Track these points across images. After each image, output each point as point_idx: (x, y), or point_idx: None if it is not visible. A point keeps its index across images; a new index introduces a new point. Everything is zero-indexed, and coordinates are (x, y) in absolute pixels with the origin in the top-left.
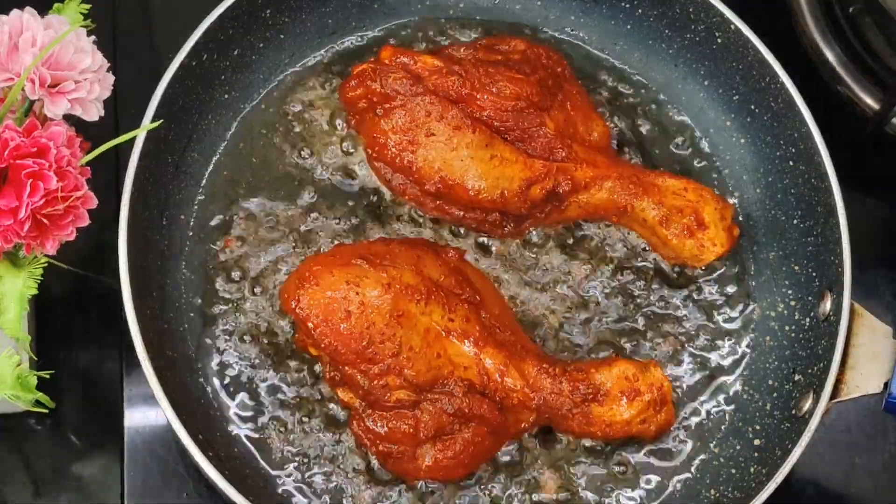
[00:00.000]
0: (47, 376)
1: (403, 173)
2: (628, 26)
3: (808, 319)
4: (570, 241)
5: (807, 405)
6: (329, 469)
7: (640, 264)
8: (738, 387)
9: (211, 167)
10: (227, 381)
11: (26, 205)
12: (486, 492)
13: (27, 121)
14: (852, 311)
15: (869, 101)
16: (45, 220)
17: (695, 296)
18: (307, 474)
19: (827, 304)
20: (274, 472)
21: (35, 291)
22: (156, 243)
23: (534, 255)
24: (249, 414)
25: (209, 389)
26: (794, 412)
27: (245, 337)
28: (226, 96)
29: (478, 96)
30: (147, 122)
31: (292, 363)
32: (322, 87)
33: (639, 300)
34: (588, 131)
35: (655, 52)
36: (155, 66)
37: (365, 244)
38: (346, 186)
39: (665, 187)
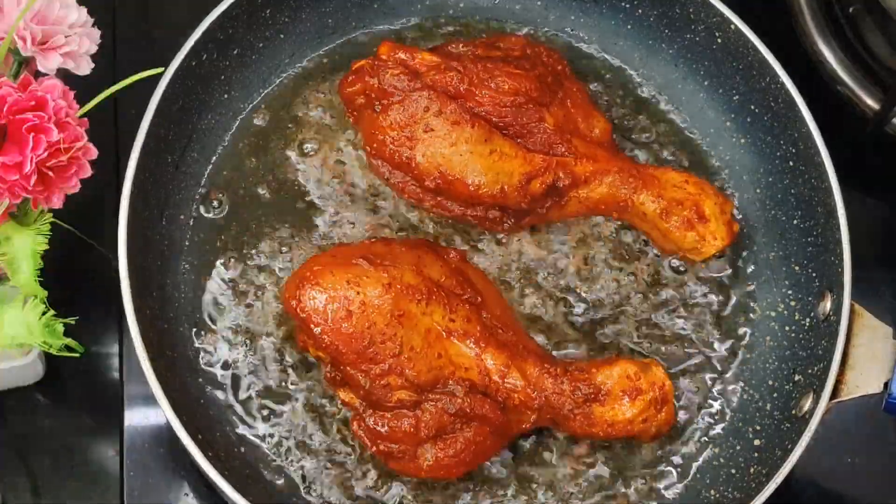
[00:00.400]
0: (73, 322)
1: (402, 170)
2: (628, 26)
3: (808, 319)
4: (570, 241)
5: (807, 405)
6: (329, 468)
7: (639, 264)
8: (738, 387)
9: (211, 167)
10: (227, 380)
11: (30, 158)
12: (487, 492)
13: (21, 76)
14: (852, 312)
15: (869, 101)
16: (49, 173)
17: (694, 296)
18: (308, 474)
19: (827, 305)
20: (274, 472)
21: (45, 246)
22: (156, 243)
23: (534, 255)
24: (250, 414)
25: (209, 389)
26: (794, 412)
27: (245, 336)
28: (226, 96)
29: (476, 92)
30: (147, 122)
31: (293, 363)
32: (322, 86)
33: (638, 300)
34: (589, 128)
35: (655, 52)
36: (155, 65)
37: (366, 244)
38: (346, 185)
39: (665, 180)
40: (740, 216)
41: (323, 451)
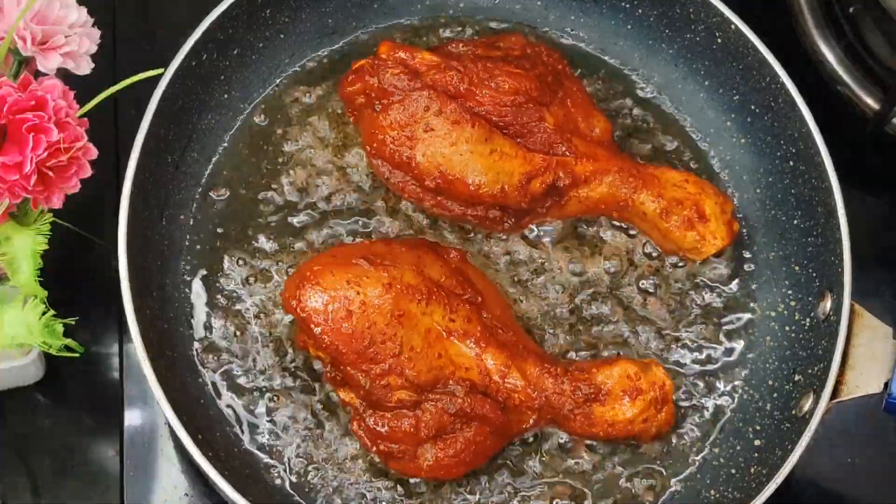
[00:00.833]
0: (73, 322)
1: (402, 169)
2: (628, 26)
3: (808, 320)
4: (569, 241)
5: (807, 405)
6: (329, 468)
7: (639, 264)
8: (738, 387)
9: (211, 167)
10: (227, 380)
11: (30, 158)
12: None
13: (21, 76)
14: (852, 312)
15: (869, 101)
16: (49, 173)
17: (694, 296)
18: (308, 474)
19: (827, 305)
20: (274, 473)
21: (45, 246)
22: (156, 243)
23: (533, 255)
24: (250, 414)
25: (209, 389)
26: (794, 412)
27: (245, 336)
28: (226, 96)
29: (476, 91)
30: (147, 122)
31: (293, 363)
32: (322, 86)
33: (638, 300)
34: (589, 127)
35: (655, 52)
36: (155, 65)
37: (366, 244)
38: (346, 185)
39: (665, 180)
40: (740, 216)
41: (323, 451)
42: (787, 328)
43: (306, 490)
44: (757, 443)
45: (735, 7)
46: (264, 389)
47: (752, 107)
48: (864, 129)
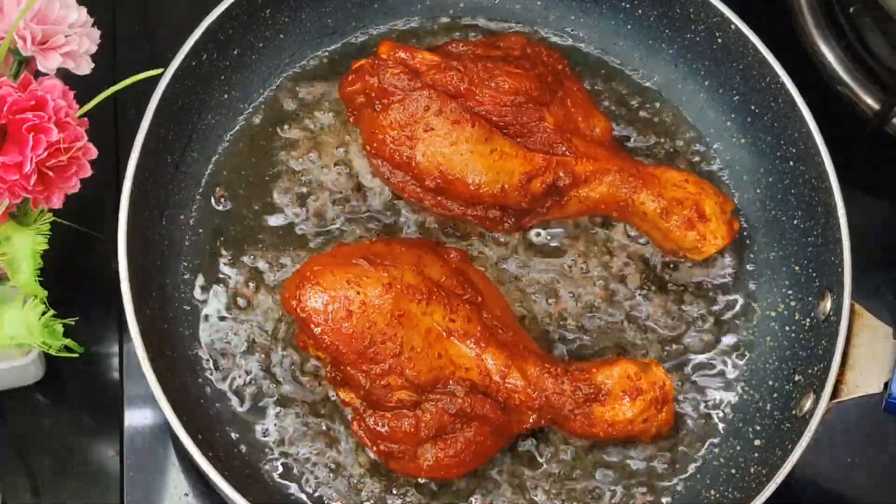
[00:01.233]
0: (72, 323)
1: (402, 169)
2: (628, 26)
3: (808, 319)
4: (569, 241)
5: (807, 405)
6: (329, 468)
7: (639, 264)
8: (738, 387)
9: (211, 167)
10: (227, 381)
11: (30, 158)
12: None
13: (21, 76)
14: (852, 312)
15: (869, 101)
16: (49, 173)
17: (694, 296)
18: (308, 474)
19: (827, 305)
20: (274, 472)
21: (45, 246)
22: (156, 243)
23: (533, 254)
24: (250, 414)
25: (209, 389)
26: (794, 412)
27: (245, 336)
28: (226, 96)
29: (476, 91)
30: (147, 122)
31: (293, 363)
32: (322, 86)
33: (638, 300)
34: (589, 127)
35: (655, 52)
36: (155, 65)
37: (366, 244)
38: (346, 185)
39: (665, 179)
40: (740, 216)
41: (323, 450)
42: (787, 328)
43: (306, 490)
44: (757, 443)
45: (735, 7)
46: (264, 389)
47: (752, 107)
48: (864, 129)
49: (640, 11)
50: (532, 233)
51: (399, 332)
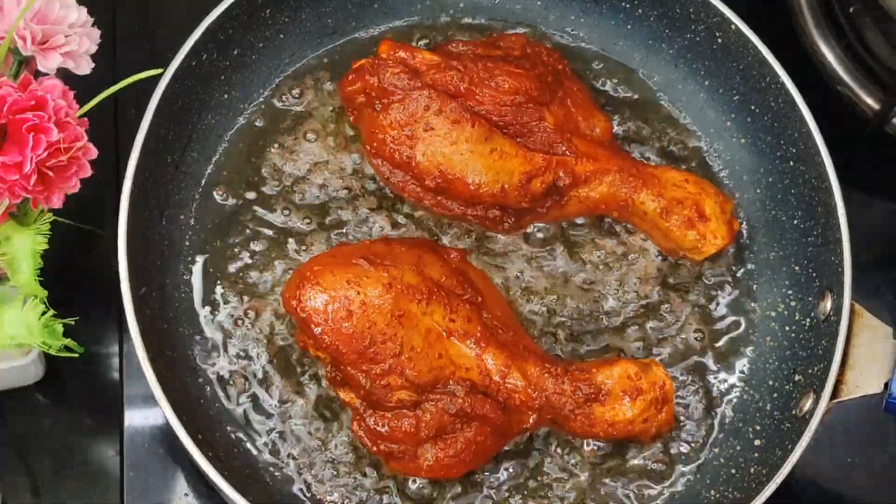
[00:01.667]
0: (72, 323)
1: (402, 169)
2: (628, 26)
3: (808, 320)
4: (569, 241)
5: (807, 405)
6: (330, 468)
7: (639, 264)
8: (738, 387)
9: (211, 167)
10: (227, 381)
11: (30, 158)
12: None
13: (21, 76)
14: (852, 312)
15: (869, 101)
16: (49, 173)
17: (694, 296)
18: (308, 474)
19: (827, 305)
20: (274, 472)
21: (45, 246)
22: (156, 243)
23: (533, 255)
24: (250, 414)
25: (209, 389)
26: (794, 412)
27: (245, 336)
28: (226, 96)
29: (476, 91)
30: (147, 122)
31: (293, 363)
32: (322, 86)
33: (638, 300)
34: (589, 127)
35: (655, 52)
36: (155, 65)
37: (366, 244)
38: (346, 185)
39: (665, 179)
40: (740, 216)
41: (323, 450)
42: (787, 328)
43: (307, 490)
44: (757, 443)
45: (735, 7)
46: (264, 389)
47: (752, 107)
48: (864, 129)
49: (640, 11)
50: (532, 233)
51: (399, 332)
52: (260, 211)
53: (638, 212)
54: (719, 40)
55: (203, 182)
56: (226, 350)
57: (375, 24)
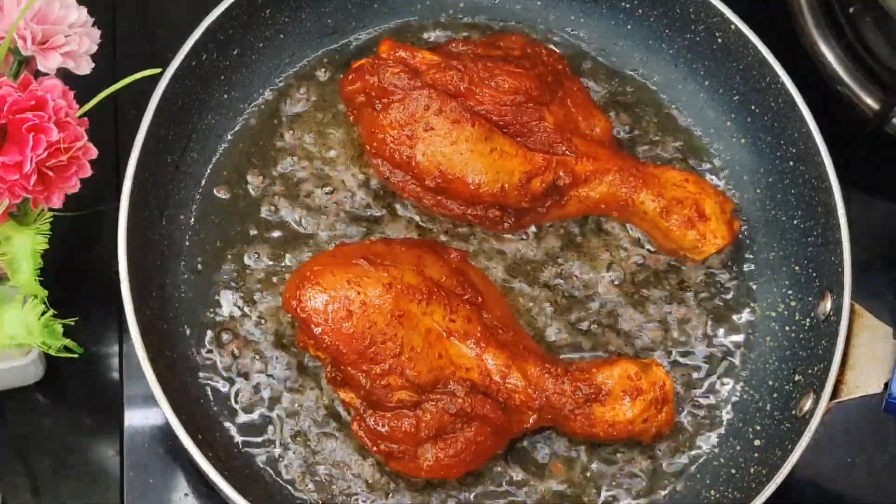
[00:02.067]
0: (72, 323)
1: (402, 169)
2: (628, 26)
3: (808, 320)
4: (568, 240)
5: (807, 405)
6: (329, 468)
7: (639, 264)
8: (738, 387)
9: (211, 167)
10: (227, 381)
11: (30, 158)
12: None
13: (21, 76)
14: (852, 312)
15: (869, 101)
16: (49, 173)
17: (694, 296)
18: (308, 474)
19: (827, 305)
20: (274, 472)
21: (45, 246)
22: (156, 243)
23: (533, 254)
24: (250, 414)
25: (209, 389)
26: (794, 412)
27: (245, 336)
28: (226, 96)
29: (476, 91)
30: (147, 122)
31: (293, 363)
32: (322, 86)
33: (637, 301)
34: (589, 127)
35: (655, 52)
36: (155, 66)
37: (366, 244)
38: (346, 185)
39: (665, 179)
40: (740, 216)
41: (323, 451)
42: (787, 328)
43: (307, 490)
44: (757, 443)
45: (735, 7)
46: (265, 389)
47: (752, 107)
48: (864, 129)
49: (640, 11)
50: (532, 232)
51: (399, 332)
52: (260, 211)
53: (638, 211)
54: (719, 40)
55: (203, 182)
56: (226, 350)
57: (375, 24)
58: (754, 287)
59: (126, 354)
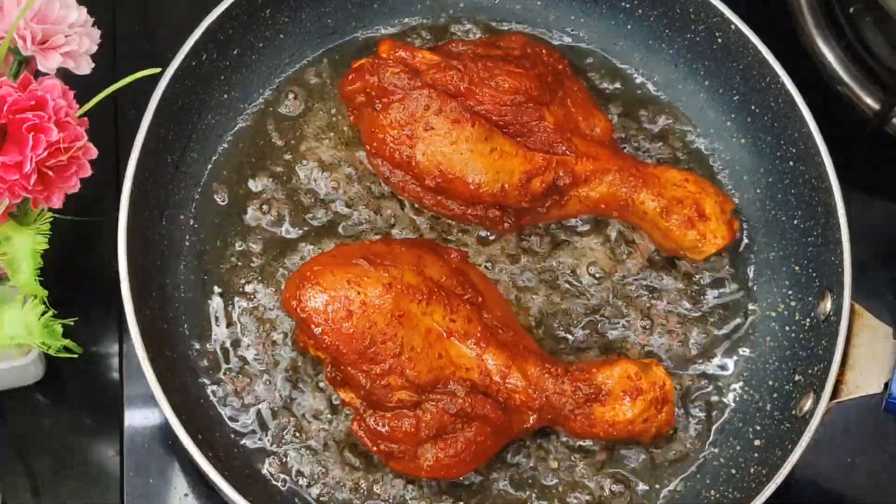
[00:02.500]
0: (72, 323)
1: (402, 168)
2: (628, 26)
3: (808, 320)
4: (568, 241)
5: (807, 405)
6: (329, 468)
7: (639, 264)
8: (738, 387)
9: (211, 167)
10: (227, 380)
11: (30, 158)
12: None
13: (21, 76)
14: (852, 312)
15: (869, 101)
16: (49, 173)
17: (694, 296)
18: (308, 474)
19: (827, 305)
20: (274, 473)
21: (45, 246)
22: (156, 243)
23: (533, 254)
24: (250, 414)
25: (209, 389)
26: (794, 412)
27: (245, 337)
28: (226, 96)
29: (476, 90)
30: (147, 122)
31: (293, 363)
32: (322, 86)
33: (638, 301)
34: (590, 127)
35: (655, 52)
36: (155, 66)
37: (366, 244)
38: (346, 185)
39: (665, 179)
40: (740, 216)
41: (323, 450)
42: (787, 328)
43: (307, 490)
44: (757, 443)
45: (735, 7)
46: (264, 389)
47: (752, 107)
48: (864, 129)
49: (640, 11)
50: (532, 232)
51: (399, 332)
52: (260, 211)
53: (638, 211)
54: (719, 40)
55: (203, 182)
56: (226, 350)
57: (375, 24)
58: (754, 287)
59: (126, 354)
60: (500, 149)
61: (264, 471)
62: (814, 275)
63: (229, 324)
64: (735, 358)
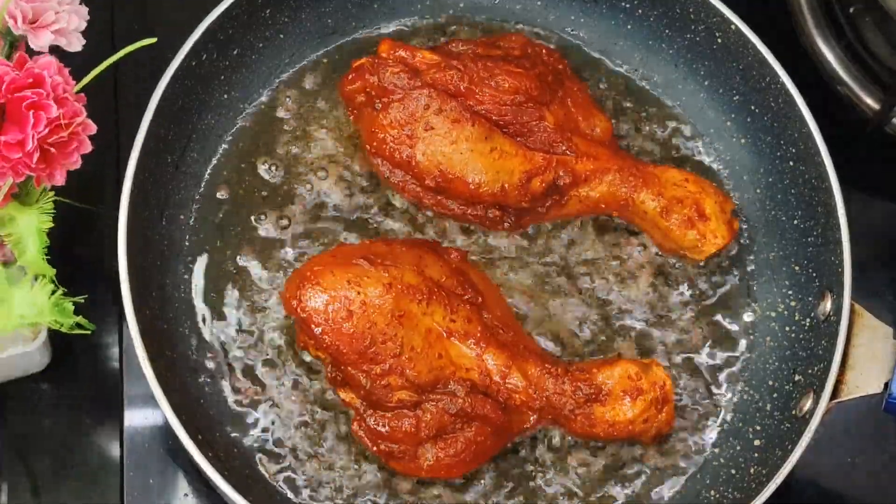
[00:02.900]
0: (81, 301)
1: (402, 168)
2: (628, 26)
3: (808, 320)
4: (568, 241)
5: (807, 405)
6: (329, 468)
7: (639, 264)
8: (738, 387)
9: (211, 167)
10: (227, 380)
11: (32, 136)
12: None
13: (16, 55)
14: (852, 312)
15: (869, 101)
16: (51, 149)
17: (694, 296)
18: (308, 474)
19: (827, 305)
20: (274, 473)
21: (50, 224)
22: (156, 243)
23: (533, 254)
24: (250, 414)
25: (209, 389)
26: (794, 412)
27: (246, 337)
28: (226, 96)
29: (476, 90)
30: (147, 122)
31: (293, 363)
32: (322, 86)
33: (637, 300)
34: (590, 126)
35: (655, 52)
36: (155, 66)
37: (366, 244)
38: (346, 184)
39: (666, 178)
40: (740, 216)
41: (323, 451)
42: (787, 328)
43: (307, 490)
44: (757, 443)
45: (735, 7)
46: (264, 389)
47: (752, 107)
48: (864, 129)
49: (640, 11)
50: (532, 232)
51: (399, 332)
52: (260, 211)
53: (638, 211)
54: (719, 40)
55: (203, 182)
56: (226, 350)
57: (375, 24)
58: (754, 287)
59: (126, 355)
60: (500, 148)
61: (264, 471)
62: (814, 275)
63: (230, 323)
64: (735, 358)
